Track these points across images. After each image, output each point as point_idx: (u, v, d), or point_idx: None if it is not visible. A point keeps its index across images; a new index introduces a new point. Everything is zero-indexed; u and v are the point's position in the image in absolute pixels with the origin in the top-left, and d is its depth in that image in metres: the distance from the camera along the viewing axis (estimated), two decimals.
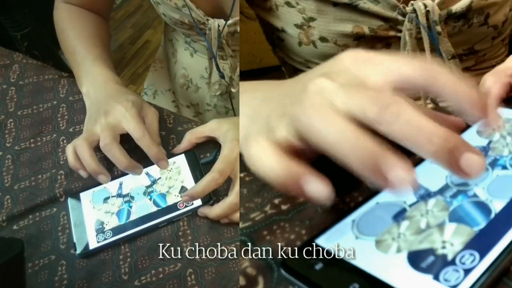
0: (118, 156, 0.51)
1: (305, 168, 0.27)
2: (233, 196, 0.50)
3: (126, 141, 0.53)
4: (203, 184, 0.50)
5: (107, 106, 0.54)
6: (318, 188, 0.26)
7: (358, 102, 0.26)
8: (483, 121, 0.26)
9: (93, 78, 0.59)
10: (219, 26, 0.62)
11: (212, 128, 0.56)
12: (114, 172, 0.55)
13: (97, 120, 0.53)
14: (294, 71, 0.65)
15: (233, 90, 0.71)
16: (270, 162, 0.28)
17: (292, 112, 0.28)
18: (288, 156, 0.28)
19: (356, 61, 0.29)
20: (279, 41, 0.61)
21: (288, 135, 0.29)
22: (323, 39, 0.55)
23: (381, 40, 0.55)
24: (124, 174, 0.54)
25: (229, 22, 0.62)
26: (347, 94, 0.27)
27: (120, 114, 0.53)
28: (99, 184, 0.53)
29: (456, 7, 0.52)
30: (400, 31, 0.53)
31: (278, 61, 0.69)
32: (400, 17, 0.52)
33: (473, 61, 0.59)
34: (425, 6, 0.51)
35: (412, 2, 0.51)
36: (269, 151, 0.28)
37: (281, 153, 0.28)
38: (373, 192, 0.27)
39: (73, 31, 0.65)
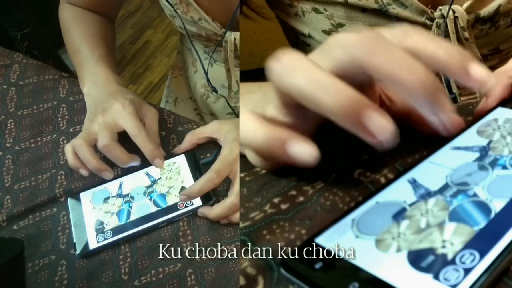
0: (118, 154, 0.51)
1: (288, 131, 0.27)
2: (233, 197, 0.50)
3: (126, 140, 0.53)
4: (200, 184, 0.50)
5: (105, 104, 0.54)
6: (302, 149, 0.26)
7: (342, 46, 0.26)
8: (465, 79, 0.26)
9: (95, 78, 0.59)
10: (235, 39, 0.62)
11: (212, 129, 0.56)
12: (114, 172, 0.55)
13: (95, 118, 0.53)
14: None
15: None
16: (252, 129, 0.28)
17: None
18: (271, 123, 0.28)
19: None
20: (304, 46, 0.61)
21: (275, 111, 0.29)
22: None
23: None
24: (124, 174, 0.54)
25: None
26: (327, 50, 0.27)
27: (116, 111, 0.53)
28: (99, 184, 0.53)
29: (484, 12, 0.51)
30: None
31: None
32: (428, 22, 0.52)
33: (498, 59, 0.59)
34: (453, 11, 0.51)
35: (440, 7, 0.51)
36: (252, 119, 0.28)
37: (263, 120, 0.28)
38: (373, 191, 0.28)
39: (77, 31, 0.65)
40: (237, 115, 0.76)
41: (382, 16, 0.52)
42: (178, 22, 0.65)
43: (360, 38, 0.25)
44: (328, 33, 0.55)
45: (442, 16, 0.51)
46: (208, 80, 0.68)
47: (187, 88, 0.84)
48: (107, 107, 0.54)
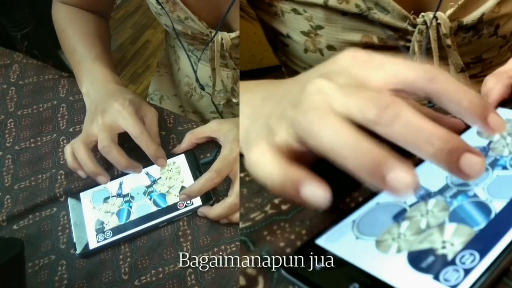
0: (117, 157, 0.51)
1: (302, 172, 0.27)
2: (233, 196, 0.50)
3: (125, 140, 0.53)
4: (200, 183, 0.50)
5: (104, 105, 0.54)
6: (314, 192, 0.26)
7: (356, 103, 0.26)
8: (483, 127, 0.26)
9: (93, 77, 0.59)
10: (222, 39, 0.62)
11: (212, 128, 0.56)
12: (114, 172, 0.55)
13: (94, 119, 0.53)
14: (295, 74, 0.65)
15: (234, 100, 0.71)
16: (268, 167, 0.28)
17: (291, 115, 0.28)
18: (287, 160, 0.28)
19: (355, 61, 0.29)
20: (283, 46, 0.61)
21: (288, 138, 0.29)
22: (330, 47, 0.54)
23: (390, 49, 0.54)
24: (124, 174, 0.54)
25: (233, 35, 0.62)
26: (345, 95, 0.27)
27: (116, 112, 0.52)
28: (99, 184, 0.53)
29: (468, 19, 0.51)
30: (410, 40, 0.53)
31: (279, 62, 0.68)
32: (410, 28, 0.51)
33: (480, 68, 0.59)
34: (436, 18, 0.50)
35: (423, 14, 0.51)
36: (268, 155, 0.28)
37: (280, 157, 0.28)
38: (373, 193, 0.28)
39: (73, 30, 0.65)
40: (220, 114, 0.75)
41: (363, 20, 0.51)
42: (164, 20, 0.64)
43: (373, 105, 0.25)
44: (306, 34, 0.55)
45: (425, 23, 0.50)
46: (197, 79, 0.68)
47: (172, 85, 0.84)
48: (106, 107, 0.53)
